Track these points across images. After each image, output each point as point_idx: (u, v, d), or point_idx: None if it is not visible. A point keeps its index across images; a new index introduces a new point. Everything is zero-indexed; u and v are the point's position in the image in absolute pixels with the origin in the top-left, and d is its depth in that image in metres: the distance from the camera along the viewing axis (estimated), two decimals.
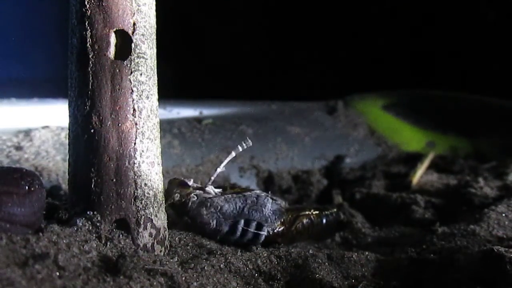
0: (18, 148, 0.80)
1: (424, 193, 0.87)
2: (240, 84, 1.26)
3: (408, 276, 0.55)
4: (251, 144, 0.63)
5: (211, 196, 0.62)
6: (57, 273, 0.39)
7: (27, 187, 0.41)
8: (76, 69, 0.52)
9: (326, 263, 0.56)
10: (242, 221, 0.59)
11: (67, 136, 0.54)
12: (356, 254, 0.59)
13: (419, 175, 0.98)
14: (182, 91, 1.11)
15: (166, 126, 1.03)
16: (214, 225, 0.59)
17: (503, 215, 0.67)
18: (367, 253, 0.60)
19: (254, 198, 0.62)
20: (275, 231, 0.64)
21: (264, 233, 0.60)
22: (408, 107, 1.26)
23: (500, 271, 0.49)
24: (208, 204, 0.60)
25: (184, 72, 1.20)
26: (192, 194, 0.61)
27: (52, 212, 0.51)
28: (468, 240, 0.62)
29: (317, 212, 0.72)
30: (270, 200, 0.63)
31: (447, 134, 1.18)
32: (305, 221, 0.69)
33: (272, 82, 1.33)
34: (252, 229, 0.60)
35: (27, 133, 0.85)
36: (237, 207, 0.60)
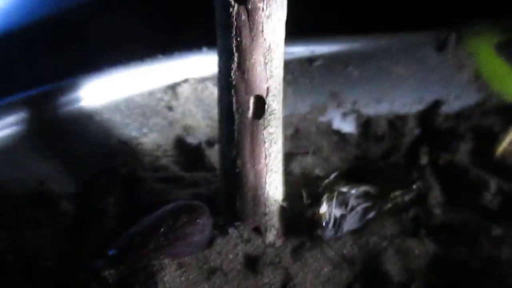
0: (170, 108, 1.04)
1: (502, 171, 0.98)
2: (350, 15, 1.29)
3: (452, 278, 0.76)
4: None
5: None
6: (224, 279, 0.67)
7: (202, 223, 0.67)
8: (225, 126, 0.70)
9: (393, 256, 0.79)
10: None
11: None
12: (417, 248, 0.80)
13: (506, 142, 1.06)
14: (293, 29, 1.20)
15: None
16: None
17: None
18: (426, 244, 0.81)
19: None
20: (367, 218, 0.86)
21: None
22: None
23: None
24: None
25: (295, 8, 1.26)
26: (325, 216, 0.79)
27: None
28: None
29: (400, 192, 0.92)
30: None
31: None
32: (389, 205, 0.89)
33: (382, 9, 1.32)
34: None
35: (173, 89, 1.07)
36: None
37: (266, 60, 0.67)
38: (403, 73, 1.24)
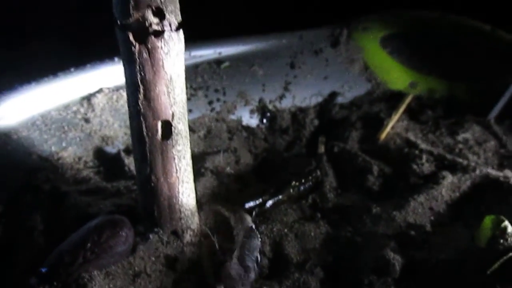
0: (87, 120, 1.10)
1: (384, 154, 1.17)
2: (254, 16, 1.40)
3: (340, 253, 0.92)
4: None
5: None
6: (148, 280, 0.77)
7: (124, 235, 0.76)
8: (138, 147, 0.79)
9: (294, 241, 0.94)
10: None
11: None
12: (313, 230, 0.95)
13: (389, 127, 1.25)
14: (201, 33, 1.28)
15: (192, 74, 1.27)
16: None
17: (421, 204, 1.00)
18: (320, 226, 0.97)
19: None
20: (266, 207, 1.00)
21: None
22: (405, 42, 1.41)
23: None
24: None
25: (199, 13, 1.34)
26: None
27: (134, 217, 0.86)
28: (388, 225, 0.96)
29: (297, 183, 1.06)
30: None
31: (429, 75, 1.38)
32: (291, 190, 1.04)
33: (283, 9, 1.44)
34: None
35: (89, 100, 1.12)
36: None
37: (169, 90, 0.76)
38: (304, 69, 1.38)
